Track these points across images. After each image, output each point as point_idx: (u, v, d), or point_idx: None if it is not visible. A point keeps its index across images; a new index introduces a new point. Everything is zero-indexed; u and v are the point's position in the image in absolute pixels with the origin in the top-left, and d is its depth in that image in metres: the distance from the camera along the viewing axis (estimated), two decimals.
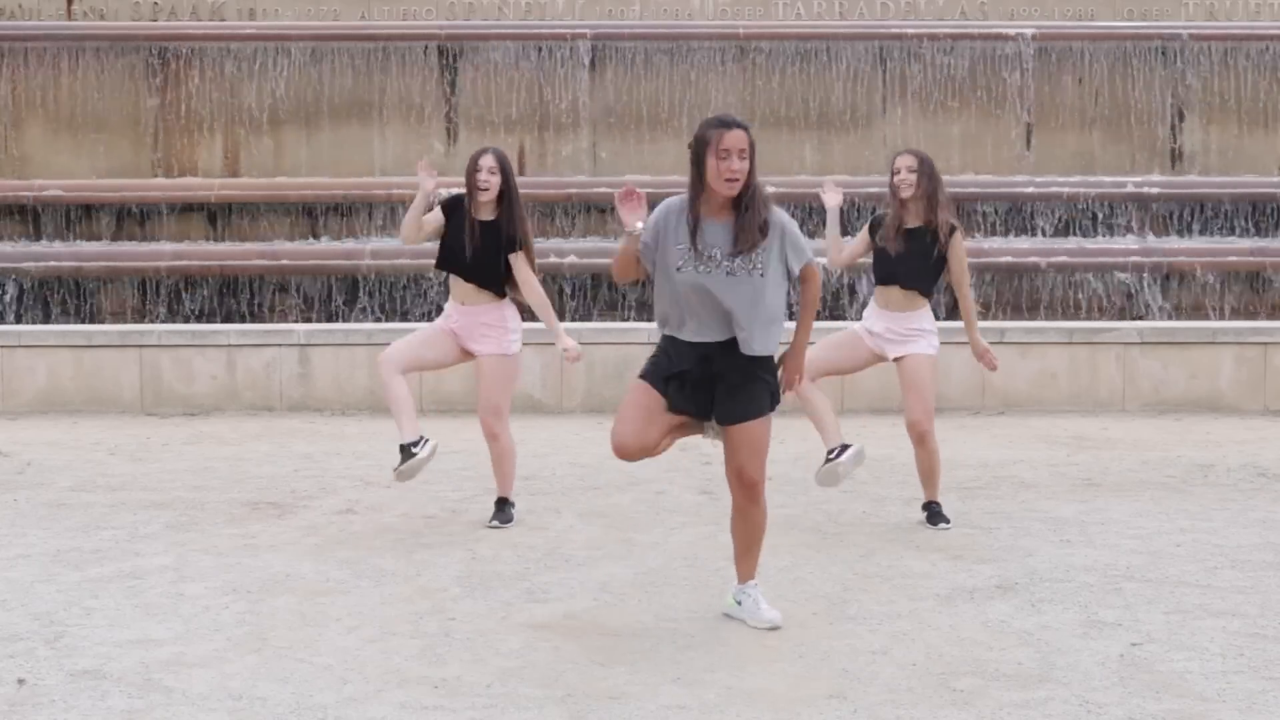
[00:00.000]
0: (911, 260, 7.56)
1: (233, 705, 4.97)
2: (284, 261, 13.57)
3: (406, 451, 7.53)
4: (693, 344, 5.68)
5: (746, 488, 5.74)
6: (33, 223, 14.17)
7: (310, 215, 14.29)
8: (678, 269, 5.61)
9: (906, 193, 7.55)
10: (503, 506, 7.70)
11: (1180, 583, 6.49)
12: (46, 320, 13.42)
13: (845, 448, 7.61)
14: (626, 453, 5.96)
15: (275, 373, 11.67)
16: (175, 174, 14.93)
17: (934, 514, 7.64)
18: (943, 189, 7.61)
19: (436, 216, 7.61)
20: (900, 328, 7.62)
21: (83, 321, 13.34)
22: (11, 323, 13.16)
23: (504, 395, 7.64)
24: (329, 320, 13.31)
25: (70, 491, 8.55)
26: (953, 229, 7.56)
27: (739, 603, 5.91)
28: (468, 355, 7.69)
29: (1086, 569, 6.71)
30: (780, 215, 5.72)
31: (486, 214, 7.54)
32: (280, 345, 11.71)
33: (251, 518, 7.85)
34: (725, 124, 5.52)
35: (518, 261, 7.57)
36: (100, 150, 14.95)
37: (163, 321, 13.31)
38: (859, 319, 8.01)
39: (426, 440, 7.57)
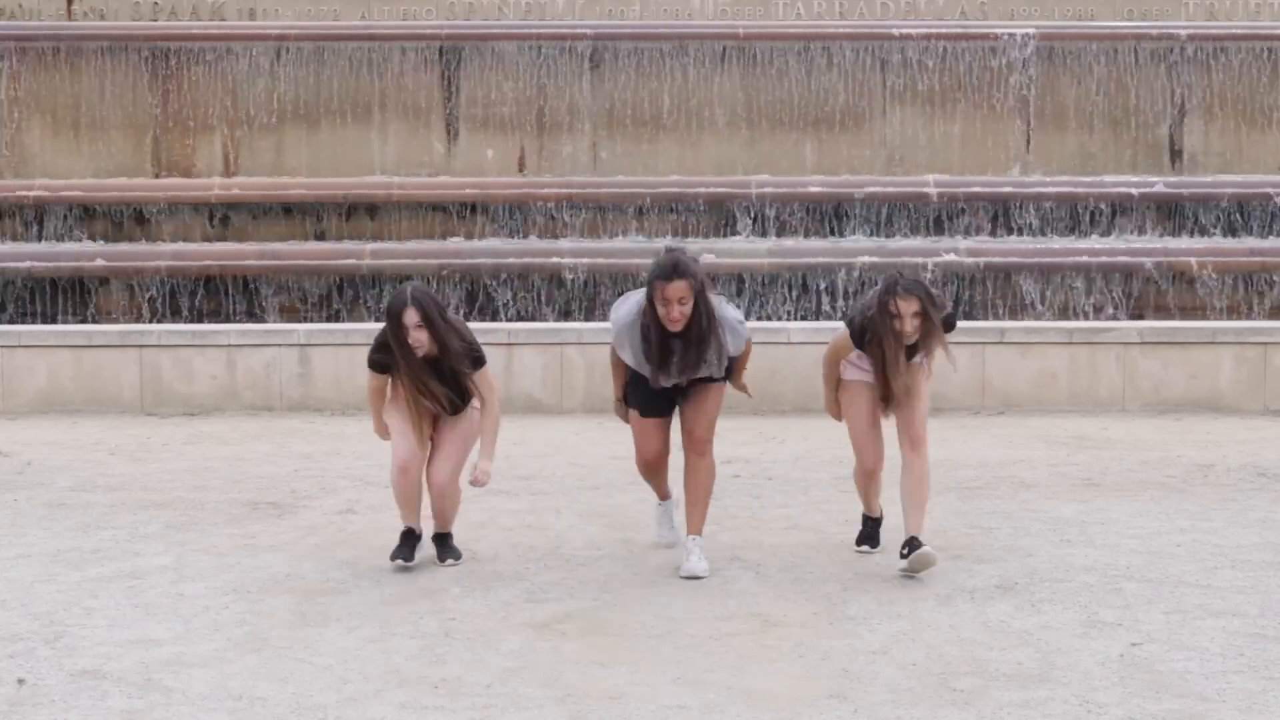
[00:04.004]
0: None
1: (233, 705, 4.97)
2: (284, 261, 13.57)
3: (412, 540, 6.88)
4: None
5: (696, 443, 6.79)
6: (33, 223, 14.16)
7: (310, 215, 14.28)
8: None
9: (910, 340, 6.58)
10: (445, 540, 6.92)
11: (1180, 583, 6.49)
12: (46, 320, 13.42)
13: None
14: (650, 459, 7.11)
15: (275, 373, 11.67)
16: (175, 174, 14.92)
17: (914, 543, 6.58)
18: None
19: (381, 383, 6.80)
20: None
21: (83, 321, 13.33)
22: (12, 323, 13.16)
23: (463, 455, 6.89)
24: (329, 320, 13.31)
25: (70, 491, 8.55)
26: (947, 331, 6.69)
27: (683, 546, 6.84)
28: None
29: (1086, 569, 6.71)
30: (720, 319, 6.54)
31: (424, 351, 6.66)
32: (280, 345, 11.70)
33: (251, 518, 7.85)
34: (665, 276, 6.34)
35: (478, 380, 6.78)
36: (100, 150, 14.94)
37: (162, 321, 13.30)
38: None
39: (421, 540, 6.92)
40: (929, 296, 6.50)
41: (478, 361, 6.73)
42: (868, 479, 7.04)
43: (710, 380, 6.66)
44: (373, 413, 6.97)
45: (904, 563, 6.54)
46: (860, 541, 7.13)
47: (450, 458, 6.83)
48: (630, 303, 6.72)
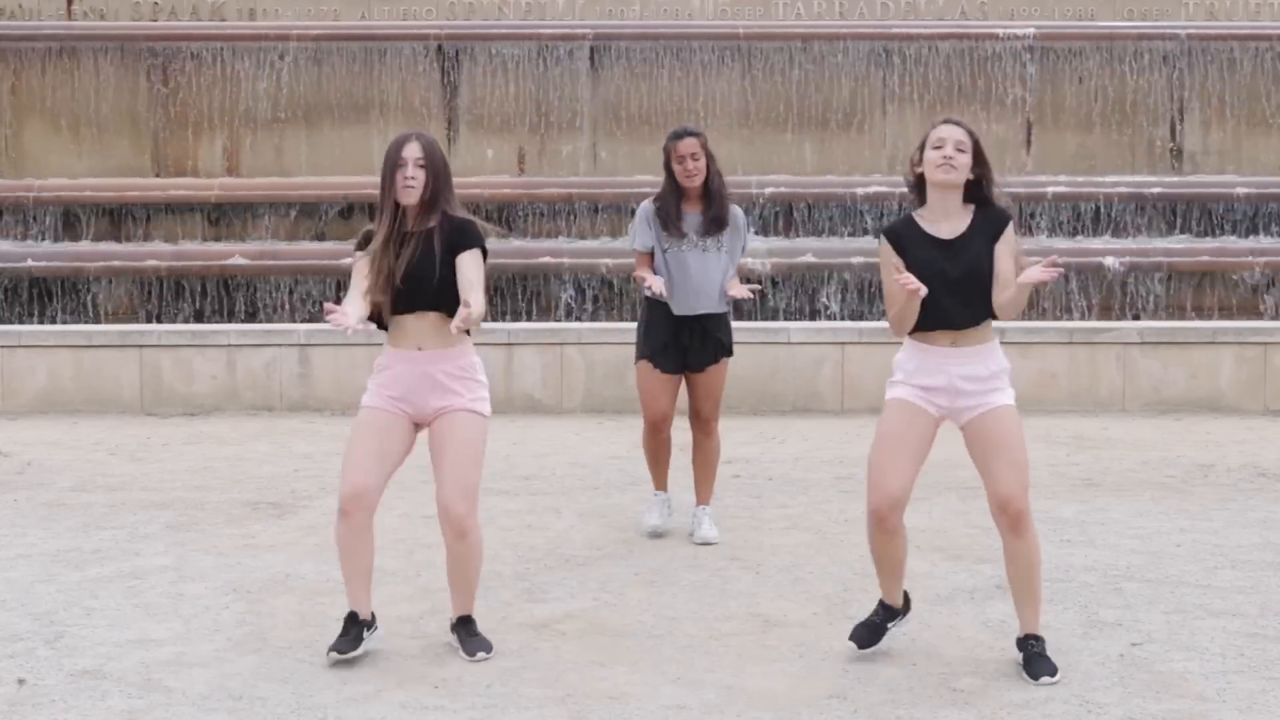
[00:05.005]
0: (967, 281, 5.35)
1: (233, 705, 4.97)
2: (284, 261, 13.57)
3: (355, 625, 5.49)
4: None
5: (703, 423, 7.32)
6: (33, 222, 14.16)
7: (310, 215, 14.28)
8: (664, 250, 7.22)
9: (950, 176, 5.41)
10: (470, 626, 5.62)
11: (1180, 583, 6.49)
12: (46, 320, 13.42)
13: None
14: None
15: (275, 373, 11.67)
16: (175, 174, 14.92)
17: (1039, 656, 5.29)
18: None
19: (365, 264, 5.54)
20: (974, 371, 5.35)
21: (82, 321, 13.34)
22: (11, 323, 13.16)
23: (478, 467, 5.51)
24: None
25: (70, 491, 8.55)
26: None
27: (694, 517, 7.40)
28: (416, 431, 5.59)
29: (1086, 569, 6.72)
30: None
31: (417, 222, 5.51)
32: (280, 345, 11.71)
33: (251, 518, 7.85)
34: (678, 136, 7.17)
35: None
36: (100, 150, 14.94)
37: (162, 321, 13.30)
38: None
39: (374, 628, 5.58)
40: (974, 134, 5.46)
41: (474, 237, 5.49)
42: (880, 526, 5.39)
43: (716, 360, 7.30)
44: (350, 290, 5.56)
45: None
46: (855, 637, 5.52)
47: (460, 474, 5.42)
48: (645, 202, 7.38)
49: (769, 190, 14.05)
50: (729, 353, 7.35)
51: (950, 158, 5.36)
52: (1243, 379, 11.66)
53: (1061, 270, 5.25)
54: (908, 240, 5.37)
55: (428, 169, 5.43)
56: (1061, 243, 14.02)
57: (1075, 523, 7.67)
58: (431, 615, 6.01)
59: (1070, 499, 8.29)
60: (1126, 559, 6.91)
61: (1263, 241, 14.13)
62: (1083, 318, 13.36)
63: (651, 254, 7.24)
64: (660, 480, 7.54)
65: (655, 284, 7.01)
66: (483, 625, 5.85)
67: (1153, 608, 6.10)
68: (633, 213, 14.42)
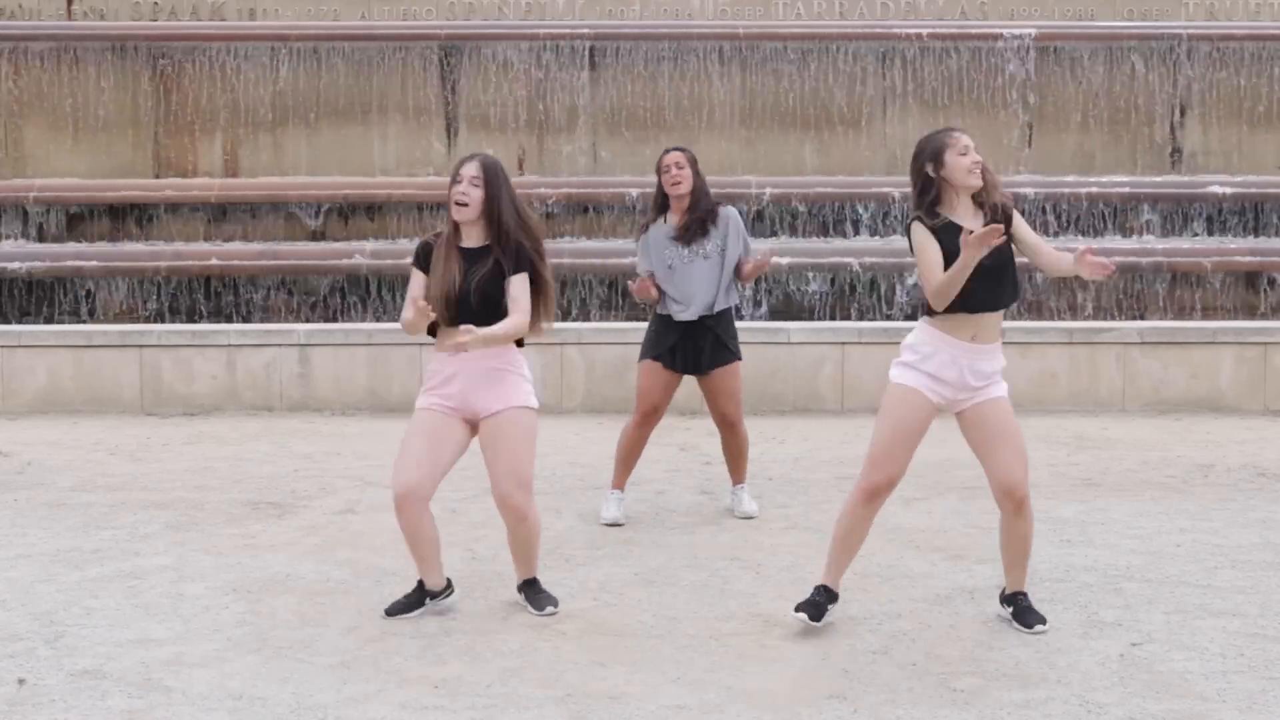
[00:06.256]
0: (997, 268, 5.67)
1: (233, 705, 4.97)
2: (284, 261, 13.57)
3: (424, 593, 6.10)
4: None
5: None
6: (33, 222, 14.16)
7: (310, 215, 14.28)
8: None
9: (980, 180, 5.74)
10: (535, 586, 6.19)
11: (1180, 583, 6.49)
12: (46, 320, 13.42)
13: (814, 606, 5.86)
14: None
15: (275, 373, 11.67)
16: (175, 174, 14.92)
17: (1030, 609, 5.89)
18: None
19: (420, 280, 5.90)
20: (986, 367, 5.72)
21: (83, 321, 13.34)
22: (12, 323, 13.16)
23: (531, 458, 5.92)
24: (329, 320, 13.31)
25: (70, 491, 8.55)
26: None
27: (733, 495, 7.96)
28: (473, 430, 5.97)
29: (1086, 569, 6.72)
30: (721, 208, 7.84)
31: (474, 239, 5.90)
32: (280, 345, 11.71)
33: (251, 518, 7.85)
34: (666, 151, 7.83)
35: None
36: (100, 150, 14.94)
37: (162, 321, 13.30)
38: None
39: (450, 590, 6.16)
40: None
41: (529, 262, 5.81)
42: (869, 502, 5.77)
43: (726, 363, 7.74)
44: (408, 301, 5.83)
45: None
46: (804, 609, 5.81)
47: (512, 465, 5.81)
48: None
49: (769, 190, 14.05)
50: (738, 356, 7.81)
51: (978, 162, 5.74)
52: (1243, 379, 11.66)
53: (1112, 270, 5.60)
54: (941, 229, 5.68)
55: (484, 188, 5.77)
56: (1064, 242, 14.03)
57: (1075, 523, 7.67)
58: (432, 615, 6.02)
59: (1070, 499, 8.29)
60: (1126, 559, 6.91)
61: (1263, 242, 14.14)
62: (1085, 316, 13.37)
63: (653, 275, 7.79)
64: (621, 480, 7.94)
65: (635, 286, 7.72)
66: (483, 625, 5.86)
67: (1153, 608, 6.10)
68: (633, 210, 14.38)
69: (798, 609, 5.80)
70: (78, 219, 14.27)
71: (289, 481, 8.85)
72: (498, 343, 5.73)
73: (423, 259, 5.88)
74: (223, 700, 5.01)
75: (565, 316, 13.30)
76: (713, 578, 6.61)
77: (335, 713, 4.90)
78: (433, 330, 5.91)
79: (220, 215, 14.33)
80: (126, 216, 14.31)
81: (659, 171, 7.76)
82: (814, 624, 5.74)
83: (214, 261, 13.58)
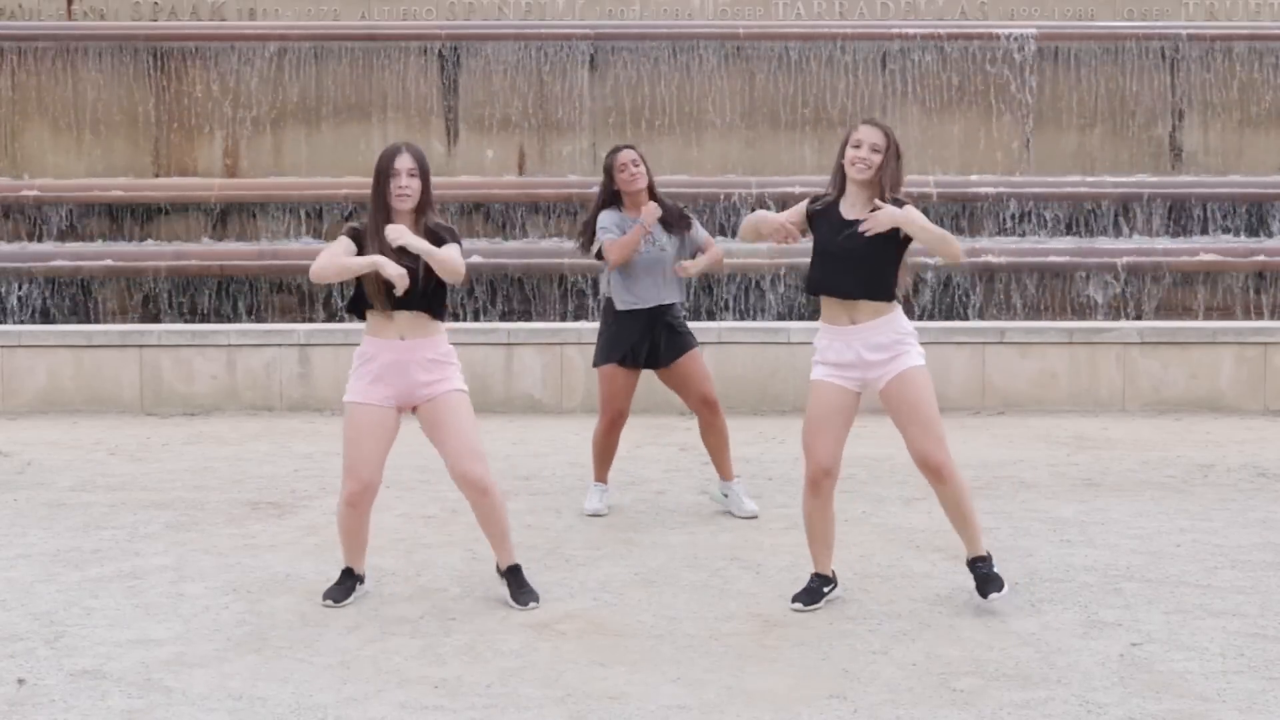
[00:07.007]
0: (842, 255, 5.92)
1: (233, 705, 4.97)
2: (284, 261, 13.57)
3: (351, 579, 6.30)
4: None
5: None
6: (33, 223, 14.16)
7: (310, 215, 14.29)
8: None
9: (864, 173, 5.89)
10: (518, 576, 6.25)
11: (1180, 583, 6.49)
12: (47, 320, 13.42)
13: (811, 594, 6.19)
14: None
15: (275, 373, 11.67)
16: (175, 174, 14.92)
17: (985, 576, 6.05)
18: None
19: (343, 245, 6.01)
20: (876, 340, 5.95)
21: (83, 321, 13.34)
22: (12, 323, 13.16)
23: (477, 433, 6.13)
24: (329, 320, 13.31)
25: (70, 491, 8.55)
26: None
27: (725, 495, 7.98)
28: (400, 414, 6.19)
29: (1086, 569, 6.71)
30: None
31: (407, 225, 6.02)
32: (280, 345, 11.71)
33: (251, 518, 7.85)
34: (616, 149, 8.12)
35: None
36: (100, 150, 14.95)
37: (162, 321, 13.30)
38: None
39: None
40: (892, 137, 5.89)
41: (455, 235, 6.10)
42: (814, 491, 6.17)
43: (690, 347, 7.90)
44: (324, 253, 6.00)
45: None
46: (799, 599, 6.11)
47: (464, 440, 6.04)
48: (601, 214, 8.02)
49: (769, 190, 14.05)
50: (696, 341, 8.01)
51: (864, 159, 5.87)
52: (1243, 379, 11.67)
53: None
54: (818, 211, 5.99)
55: (420, 179, 5.99)
56: (1064, 242, 14.04)
57: (1075, 523, 7.67)
58: (432, 615, 6.02)
59: (1070, 499, 8.29)
60: (1126, 559, 6.91)
61: (1263, 242, 14.14)
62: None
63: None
64: (602, 474, 8.05)
65: (647, 212, 7.82)
66: (483, 625, 5.86)
67: (1153, 608, 6.10)
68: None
69: (794, 599, 6.10)
70: (78, 219, 14.27)
71: (289, 481, 8.85)
72: (424, 255, 5.85)
73: (356, 236, 6.02)
74: (223, 700, 5.01)
75: (565, 317, 13.30)
76: (713, 578, 6.61)
77: (335, 713, 4.90)
78: (362, 315, 6.17)
79: (220, 215, 14.33)
80: (126, 216, 14.31)
81: (612, 170, 7.95)
82: (809, 607, 6.01)
83: (214, 261, 13.58)
